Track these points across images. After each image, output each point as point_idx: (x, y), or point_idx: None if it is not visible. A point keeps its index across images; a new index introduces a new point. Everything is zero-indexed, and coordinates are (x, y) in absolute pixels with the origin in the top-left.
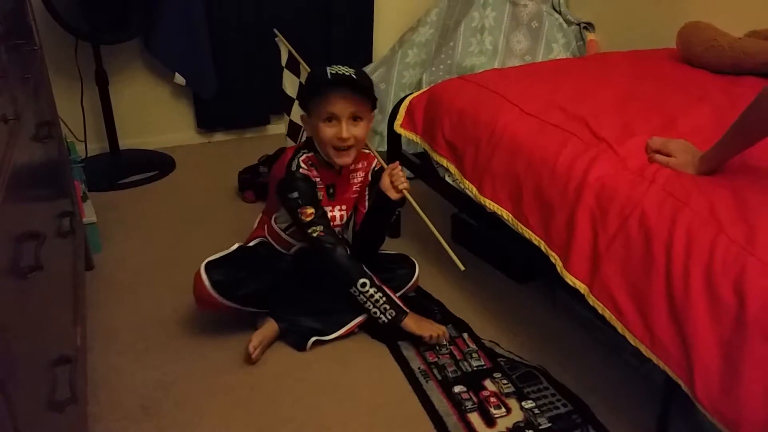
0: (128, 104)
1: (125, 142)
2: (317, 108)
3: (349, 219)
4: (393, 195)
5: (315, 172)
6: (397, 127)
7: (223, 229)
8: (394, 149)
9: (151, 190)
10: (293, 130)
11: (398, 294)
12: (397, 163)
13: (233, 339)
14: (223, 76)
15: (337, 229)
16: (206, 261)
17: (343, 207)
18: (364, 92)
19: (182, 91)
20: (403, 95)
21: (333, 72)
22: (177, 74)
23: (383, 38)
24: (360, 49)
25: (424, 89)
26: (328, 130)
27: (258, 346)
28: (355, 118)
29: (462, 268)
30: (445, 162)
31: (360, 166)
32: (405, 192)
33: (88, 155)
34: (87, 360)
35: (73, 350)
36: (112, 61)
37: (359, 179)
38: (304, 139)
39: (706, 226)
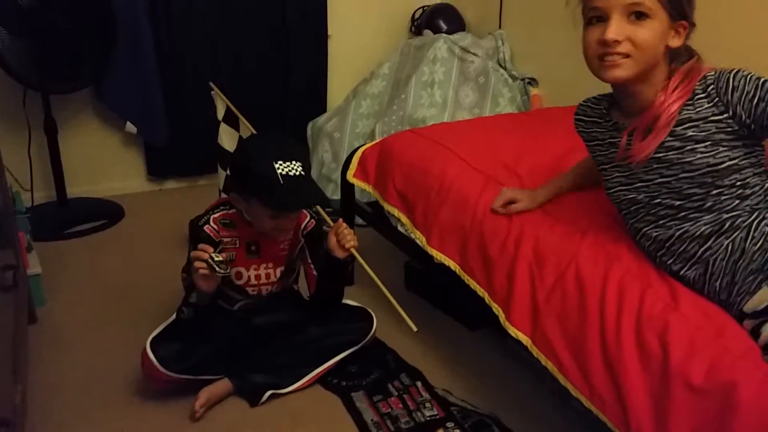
0: (77, 152)
1: (73, 191)
2: (264, 207)
3: (289, 275)
4: (340, 254)
5: (228, 232)
6: (350, 177)
7: (173, 280)
8: (347, 198)
9: (99, 240)
10: (229, 184)
11: (356, 347)
12: (341, 221)
13: (181, 396)
14: (174, 123)
15: (265, 288)
16: (151, 337)
17: (270, 265)
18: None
19: (133, 139)
20: (357, 144)
21: (284, 174)
22: (128, 123)
23: (337, 89)
24: (315, 99)
25: (377, 140)
26: (270, 222)
27: (205, 404)
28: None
29: (414, 329)
30: (396, 212)
31: None
32: (353, 250)
33: (35, 203)
34: (27, 419)
35: (11, 411)
36: (61, 110)
37: (287, 236)
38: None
39: (635, 280)
